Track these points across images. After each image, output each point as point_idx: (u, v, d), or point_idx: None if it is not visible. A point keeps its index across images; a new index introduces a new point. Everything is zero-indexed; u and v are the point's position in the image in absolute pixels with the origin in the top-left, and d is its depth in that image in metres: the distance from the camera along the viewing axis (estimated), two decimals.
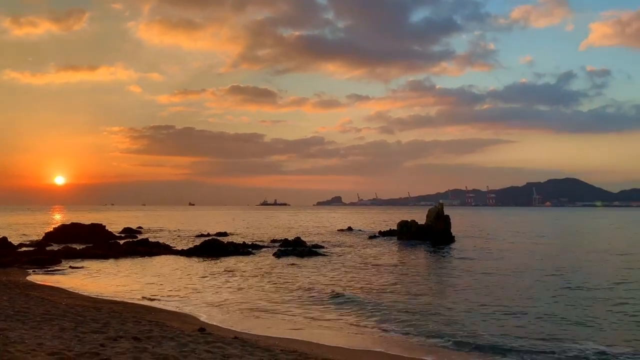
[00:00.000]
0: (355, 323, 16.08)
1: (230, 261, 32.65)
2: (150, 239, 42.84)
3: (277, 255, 35.52)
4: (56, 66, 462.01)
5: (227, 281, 24.45)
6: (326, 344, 13.63)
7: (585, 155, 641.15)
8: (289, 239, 45.16)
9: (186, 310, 17.68)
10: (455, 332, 14.68)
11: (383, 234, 57.10)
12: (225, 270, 28.12)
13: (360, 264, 31.47)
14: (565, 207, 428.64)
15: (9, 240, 37.13)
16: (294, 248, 38.05)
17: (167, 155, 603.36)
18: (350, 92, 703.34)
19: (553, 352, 12.76)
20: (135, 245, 38.30)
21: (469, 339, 13.89)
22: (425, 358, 12.68)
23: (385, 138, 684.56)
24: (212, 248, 37.00)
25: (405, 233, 49.97)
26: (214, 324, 15.49)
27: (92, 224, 49.64)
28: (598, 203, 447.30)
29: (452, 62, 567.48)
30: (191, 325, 14.36)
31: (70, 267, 28.70)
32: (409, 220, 52.12)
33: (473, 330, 14.82)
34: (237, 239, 47.21)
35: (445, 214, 49.88)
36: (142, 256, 34.74)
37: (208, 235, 52.90)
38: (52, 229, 49.32)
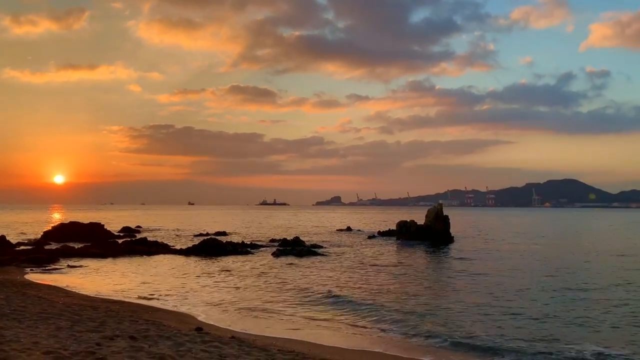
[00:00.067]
0: (353, 323, 16.05)
1: (228, 261, 32.61)
2: (149, 238, 42.76)
3: (276, 254, 35.49)
4: (56, 65, 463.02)
5: (225, 281, 24.41)
6: (324, 344, 13.60)
7: (585, 156, 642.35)
8: (288, 238, 45.13)
9: (183, 309, 17.64)
10: (454, 332, 14.64)
11: (382, 234, 57.09)
12: (223, 270, 28.07)
13: (359, 264, 31.42)
14: (565, 207, 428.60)
15: (7, 238, 37.07)
16: (293, 248, 38.02)
17: (167, 154, 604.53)
18: (350, 92, 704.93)
19: (551, 353, 12.73)
20: (134, 245, 38.25)
21: (467, 340, 13.85)
22: (423, 358, 12.65)
23: (384, 138, 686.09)
24: (211, 247, 36.95)
25: (405, 233, 49.93)
26: (211, 323, 15.45)
27: (91, 223, 49.59)
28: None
29: (452, 62, 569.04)
30: (188, 325, 14.32)
31: (69, 266, 28.63)
32: (408, 220, 52.11)
33: (471, 331, 14.78)
34: (236, 239, 47.16)
35: (444, 214, 49.85)
36: (140, 255, 34.69)
37: (207, 234, 52.84)
38: (50, 228, 49.27)
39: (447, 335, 14.32)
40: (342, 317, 16.78)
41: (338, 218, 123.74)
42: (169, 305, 18.37)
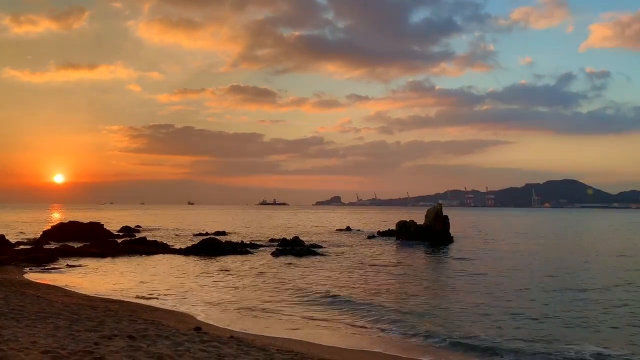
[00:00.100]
0: (352, 323, 16.02)
1: (227, 260, 32.58)
2: (148, 238, 42.76)
3: (275, 254, 35.47)
4: (56, 64, 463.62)
5: (224, 280, 24.38)
6: (323, 343, 13.58)
7: (585, 157, 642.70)
8: (287, 238, 45.09)
9: (182, 309, 17.61)
10: (453, 332, 14.62)
11: (382, 234, 57.06)
12: (222, 269, 28.05)
13: (358, 264, 31.40)
14: (564, 208, 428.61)
15: (6, 238, 37.04)
16: (292, 247, 38.00)
17: (167, 154, 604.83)
18: (350, 92, 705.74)
19: (550, 353, 12.70)
20: (133, 244, 38.22)
21: (466, 340, 13.83)
22: (423, 358, 12.63)
23: (384, 138, 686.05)
24: (210, 247, 36.93)
25: (404, 233, 49.91)
26: (210, 323, 15.43)
27: (90, 223, 49.57)
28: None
29: (452, 62, 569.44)
30: (187, 324, 14.29)
31: (68, 265, 28.59)
32: (408, 220, 52.08)
33: (470, 331, 14.76)
34: (236, 238, 47.13)
35: (444, 214, 49.82)
36: (139, 255, 34.65)
37: (206, 234, 52.81)
38: (50, 228, 49.21)
39: (446, 335, 14.30)
40: (341, 317, 16.76)
41: (338, 218, 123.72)
42: (167, 304, 18.35)
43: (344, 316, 16.91)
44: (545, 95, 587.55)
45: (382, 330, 15.18)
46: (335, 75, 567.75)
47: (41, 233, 47.10)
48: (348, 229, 69.07)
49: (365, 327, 15.54)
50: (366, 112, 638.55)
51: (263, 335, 13.92)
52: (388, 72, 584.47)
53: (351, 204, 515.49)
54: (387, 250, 40.44)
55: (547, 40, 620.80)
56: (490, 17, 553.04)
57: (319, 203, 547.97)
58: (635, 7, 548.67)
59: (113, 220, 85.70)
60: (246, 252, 37.15)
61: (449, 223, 49.98)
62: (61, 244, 38.19)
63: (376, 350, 13.27)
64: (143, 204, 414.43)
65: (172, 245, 40.55)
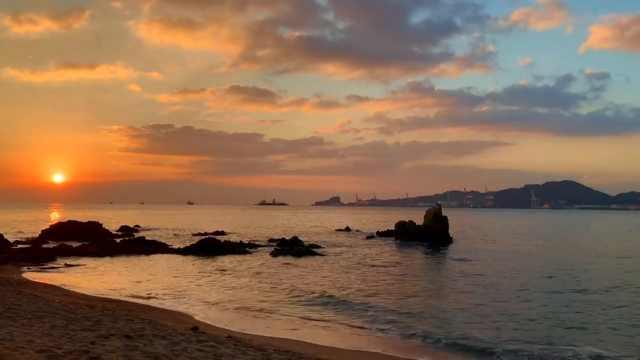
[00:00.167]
0: (350, 323, 15.97)
1: (226, 260, 32.53)
2: (147, 238, 42.70)
3: (274, 254, 35.41)
4: (56, 64, 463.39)
5: (222, 280, 24.33)
6: (321, 344, 13.53)
7: (584, 158, 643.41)
8: (286, 238, 45.01)
9: (180, 308, 17.56)
10: (451, 333, 14.57)
11: (381, 234, 57.03)
12: (220, 269, 27.99)
13: (357, 264, 31.35)
14: (564, 209, 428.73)
15: (5, 237, 36.97)
16: (291, 248, 37.92)
17: (166, 154, 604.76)
18: (350, 92, 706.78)
19: (548, 355, 12.65)
20: (132, 244, 38.15)
21: (465, 341, 13.78)
22: (421, 359, 12.58)
23: (384, 139, 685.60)
24: (209, 247, 36.87)
25: (403, 234, 49.87)
26: (208, 322, 15.37)
27: (89, 222, 49.50)
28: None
29: (452, 63, 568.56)
30: (184, 324, 14.23)
31: (66, 264, 28.54)
32: (407, 220, 52.02)
33: (469, 332, 14.71)
34: (235, 238, 47.06)
35: (443, 215, 49.78)
36: (138, 254, 34.60)
37: (205, 234, 52.76)
38: (48, 227, 49.14)
39: (444, 336, 14.25)
40: (339, 317, 16.71)
41: (337, 218, 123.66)
42: (165, 304, 18.29)
43: (342, 316, 16.85)
44: (545, 96, 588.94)
45: (380, 330, 15.13)
46: (335, 76, 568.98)
47: (40, 232, 47.02)
48: (347, 229, 69.02)
49: (363, 328, 15.49)
50: (366, 112, 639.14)
51: (260, 335, 13.87)
52: (388, 73, 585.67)
53: (350, 205, 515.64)
54: (386, 251, 40.38)
55: (547, 42, 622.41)
56: (490, 18, 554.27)
57: (318, 203, 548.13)
58: (635, 9, 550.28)
59: (112, 219, 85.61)
60: (245, 252, 37.09)
61: (448, 224, 49.94)
62: (59, 243, 38.08)
63: (374, 350, 13.21)
64: (143, 203, 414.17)
65: (171, 245, 40.48)
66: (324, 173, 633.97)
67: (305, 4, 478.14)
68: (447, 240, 47.96)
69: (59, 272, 26.14)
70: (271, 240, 47.23)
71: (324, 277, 25.68)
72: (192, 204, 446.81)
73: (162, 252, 36.33)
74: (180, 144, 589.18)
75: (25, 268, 26.75)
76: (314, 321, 16.24)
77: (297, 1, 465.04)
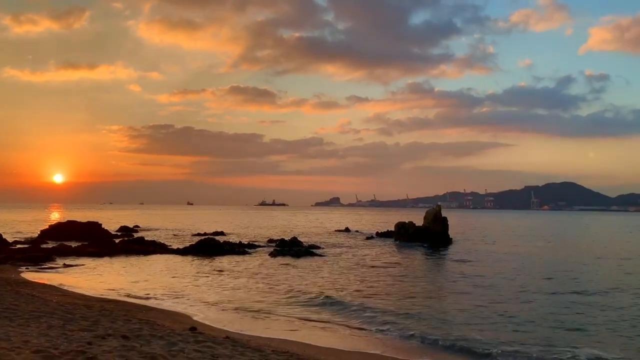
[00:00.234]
0: (349, 324, 15.92)
1: (225, 260, 32.47)
2: (146, 238, 42.64)
3: (273, 255, 35.36)
4: (56, 64, 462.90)
5: (221, 280, 24.28)
6: (319, 345, 13.48)
7: (584, 160, 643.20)
8: (286, 239, 44.93)
9: (178, 309, 17.52)
10: (450, 334, 14.52)
11: (380, 235, 56.98)
12: (218, 270, 27.94)
13: (356, 265, 31.30)
14: (563, 211, 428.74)
15: (4, 237, 36.93)
16: (290, 248, 37.85)
17: (166, 154, 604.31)
18: (350, 93, 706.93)
19: (547, 357, 12.61)
20: (131, 244, 38.11)
21: (464, 342, 13.73)
22: None
23: (384, 140, 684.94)
24: (208, 247, 36.82)
25: (403, 234, 49.82)
26: (206, 323, 15.32)
27: (88, 222, 49.43)
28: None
29: (452, 65, 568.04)
30: (182, 324, 14.19)
31: (64, 264, 28.49)
32: (407, 221, 51.97)
33: (468, 333, 14.66)
34: (234, 239, 47.00)
35: (443, 216, 49.74)
36: (137, 255, 34.55)
37: (205, 234, 52.70)
38: (47, 227, 49.08)
39: (443, 337, 14.20)
40: (338, 318, 16.66)
41: (337, 219, 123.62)
42: (163, 304, 18.25)
43: (341, 317, 16.80)
44: (545, 97, 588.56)
45: (379, 331, 15.08)
46: (335, 77, 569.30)
47: (39, 232, 46.96)
48: (347, 229, 68.97)
49: (362, 329, 15.44)
50: (366, 113, 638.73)
51: (259, 336, 13.82)
52: (388, 74, 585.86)
53: (350, 205, 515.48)
54: (386, 252, 40.33)
55: (547, 43, 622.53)
56: (490, 20, 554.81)
57: (318, 204, 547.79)
58: (635, 10, 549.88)
59: (112, 220, 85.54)
60: (244, 253, 37.03)
61: (447, 225, 49.90)
62: (58, 243, 38.04)
63: (373, 351, 13.16)
64: (142, 204, 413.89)
65: (170, 246, 40.41)
66: (324, 174, 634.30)
67: (305, 5, 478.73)
68: (446, 241, 47.91)
69: (57, 272, 26.09)
70: (270, 240, 47.17)
71: (323, 277, 25.63)
72: (191, 204, 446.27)
73: (161, 253, 36.28)
74: (180, 145, 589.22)
75: (23, 268, 26.70)
76: (313, 322, 16.19)
77: (297, 2, 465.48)
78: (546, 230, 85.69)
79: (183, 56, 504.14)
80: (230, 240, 42.93)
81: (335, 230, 68.92)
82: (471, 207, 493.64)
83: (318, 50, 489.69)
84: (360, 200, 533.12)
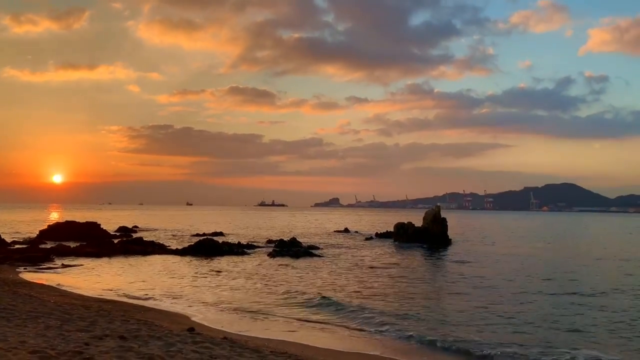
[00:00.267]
0: (347, 325, 15.88)
1: (223, 261, 32.43)
2: (145, 238, 42.59)
3: (272, 255, 35.32)
4: (55, 64, 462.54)
5: (219, 281, 24.24)
6: (318, 346, 13.45)
7: (583, 161, 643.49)
8: (285, 239, 44.88)
9: (176, 309, 17.48)
10: (448, 336, 14.48)
11: (379, 236, 56.94)
12: (217, 270, 27.89)
13: (355, 265, 31.26)
14: (563, 212, 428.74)
15: (2, 237, 36.88)
16: (289, 249, 37.80)
17: (166, 155, 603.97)
18: (349, 94, 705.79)
19: (546, 358, 12.56)
20: (130, 244, 38.06)
21: (462, 343, 13.69)
22: None
23: (383, 140, 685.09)
24: (207, 248, 36.78)
25: (402, 235, 49.77)
26: (204, 324, 15.28)
27: (87, 222, 49.38)
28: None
29: (451, 66, 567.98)
30: (181, 325, 14.14)
31: (63, 265, 28.44)
32: (406, 222, 51.91)
33: (466, 335, 14.63)
34: (233, 239, 46.95)
35: (442, 216, 49.71)
36: (136, 255, 34.50)
37: (204, 235, 52.64)
38: (46, 227, 49.01)
39: (442, 338, 14.16)
40: (336, 319, 16.61)
41: (336, 219, 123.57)
42: (162, 305, 18.21)
43: (340, 318, 16.76)
44: (544, 99, 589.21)
45: (378, 332, 15.04)
46: (334, 78, 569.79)
47: (37, 233, 46.88)
48: (346, 230, 68.94)
49: (361, 330, 15.40)
50: (365, 114, 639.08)
51: (257, 337, 13.78)
52: (387, 75, 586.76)
53: (350, 206, 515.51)
54: (385, 252, 40.30)
55: (547, 44, 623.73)
56: (490, 21, 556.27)
57: (317, 204, 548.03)
58: (634, 12, 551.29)
59: (111, 220, 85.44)
60: (243, 253, 36.98)
61: (447, 225, 49.88)
62: (57, 243, 38.00)
63: (372, 353, 13.12)
64: (142, 204, 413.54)
65: (169, 246, 40.36)
66: (323, 174, 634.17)
67: (305, 6, 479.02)
68: (446, 242, 47.88)
69: (55, 272, 26.03)
70: (269, 241, 47.11)
71: (322, 278, 25.58)
72: (191, 204, 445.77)
73: (160, 253, 36.22)
74: (179, 145, 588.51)
75: (22, 268, 26.66)
76: (311, 323, 16.16)
77: (297, 3, 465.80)
78: (545, 231, 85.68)
79: (183, 57, 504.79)
80: (229, 241, 42.89)
81: (335, 231, 68.89)
82: (470, 208, 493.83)
83: (318, 51, 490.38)
84: (359, 201, 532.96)
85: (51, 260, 30.00)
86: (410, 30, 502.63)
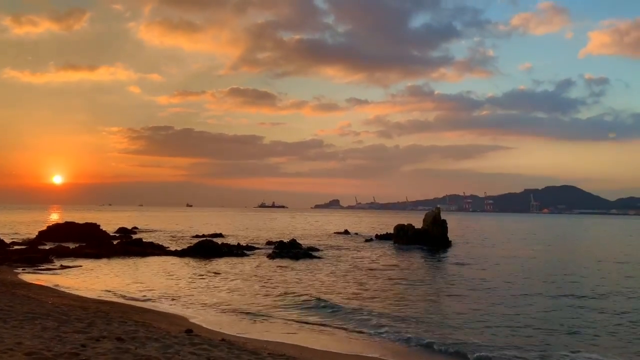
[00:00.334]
0: (346, 327, 15.82)
1: (223, 262, 32.37)
2: (145, 240, 42.50)
3: (272, 257, 35.27)
4: (56, 65, 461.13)
5: (218, 282, 24.18)
6: (317, 348, 13.40)
7: (583, 163, 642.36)
8: (285, 241, 44.79)
9: (175, 311, 17.42)
10: (447, 338, 14.43)
11: (379, 237, 56.87)
12: (216, 272, 27.83)
13: (354, 267, 31.19)
14: (563, 214, 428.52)
15: (1, 238, 36.81)
16: (289, 250, 37.72)
17: (166, 156, 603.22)
18: (350, 96, 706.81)
19: None
20: (129, 245, 37.97)
21: (460, 346, 13.64)
22: None
23: (383, 142, 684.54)
24: (206, 249, 36.72)
25: (402, 237, 49.71)
26: (202, 325, 15.22)
27: (87, 224, 49.26)
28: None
29: (451, 68, 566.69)
30: (178, 327, 14.08)
31: (62, 266, 28.38)
32: (406, 224, 51.85)
33: (465, 337, 14.58)
34: (233, 241, 46.89)
35: (442, 218, 49.66)
36: (135, 256, 34.44)
37: (203, 236, 52.57)
38: (45, 228, 48.94)
39: (441, 341, 14.11)
40: (335, 321, 16.55)
41: (336, 221, 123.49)
42: (160, 306, 18.16)
43: (338, 320, 16.70)
44: (544, 101, 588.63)
45: (377, 335, 14.98)
46: (335, 79, 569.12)
47: (36, 234, 46.80)
48: (346, 232, 68.85)
49: (360, 332, 15.34)
50: (365, 115, 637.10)
51: (255, 339, 13.72)
52: (387, 77, 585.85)
53: (350, 207, 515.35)
54: (384, 254, 40.23)
55: (547, 47, 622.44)
56: (490, 23, 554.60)
57: (317, 206, 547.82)
58: (634, 14, 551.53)
59: (111, 221, 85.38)
60: (242, 255, 36.92)
61: (447, 227, 49.83)
62: (56, 244, 37.95)
63: (371, 355, 13.06)
64: (141, 205, 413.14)
65: (168, 247, 40.31)
66: (324, 176, 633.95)
67: (305, 7, 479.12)
68: (446, 244, 47.82)
69: (54, 273, 25.98)
70: (269, 242, 47.04)
71: (321, 280, 25.52)
72: (191, 206, 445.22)
73: (159, 254, 36.17)
74: (179, 146, 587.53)
75: (20, 269, 26.60)
76: (310, 325, 16.10)
77: (297, 4, 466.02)
78: (546, 234, 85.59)
79: (183, 58, 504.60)
80: (229, 242, 42.84)
81: (335, 233, 68.81)
82: (470, 210, 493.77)
83: (318, 53, 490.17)
84: (359, 203, 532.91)
85: (50, 261, 29.95)
86: (411, 32, 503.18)
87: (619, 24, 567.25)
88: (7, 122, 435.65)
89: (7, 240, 38.84)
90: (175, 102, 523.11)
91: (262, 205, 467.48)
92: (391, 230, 54.76)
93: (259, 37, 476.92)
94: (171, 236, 56.70)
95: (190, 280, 24.88)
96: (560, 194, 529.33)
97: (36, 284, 21.72)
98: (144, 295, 20.18)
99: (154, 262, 32.01)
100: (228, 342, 12.18)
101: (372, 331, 15.30)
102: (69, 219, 55.87)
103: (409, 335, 14.68)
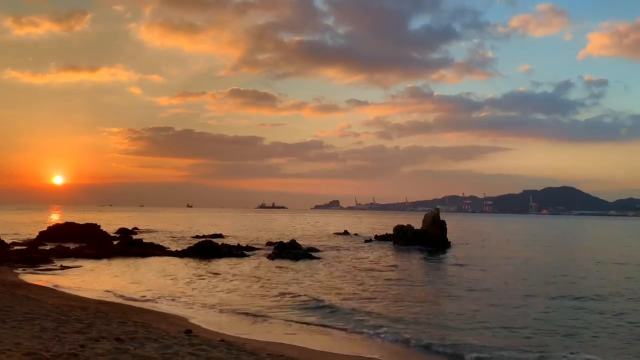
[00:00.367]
0: (345, 328, 15.83)
1: (223, 263, 32.38)
2: (145, 240, 42.51)
3: (271, 257, 35.27)
4: (57, 66, 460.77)
5: (217, 283, 24.19)
6: (316, 348, 13.41)
7: (582, 164, 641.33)
8: (284, 241, 44.80)
9: (174, 311, 17.43)
10: (446, 339, 14.44)
11: (379, 238, 56.88)
12: (216, 272, 27.84)
13: (354, 268, 31.20)
14: (562, 215, 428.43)
15: (1, 238, 36.78)
16: (289, 251, 37.71)
17: (166, 156, 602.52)
18: (350, 97, 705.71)
19: None
20: (129, 246, 37.97)
21: (460, 347, 13.65)
22: None
23: (383, 143, 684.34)
24: (206, 249, 36.72)
25: (401, 238, 49.72)
26: (202, 326, 15.24)
27: (87, 224, 49.26)
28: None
29: (451, 69, 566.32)
30: (178, 327, 14.10)
31: (62, 266, 28.39)
32: (405, 225, 51.86)
33: (463, 338, 14.59)
34: (233, 241, 46.91)
35: (441, 219, 49.67)
36: (135, 257, 34.45)
37: (204, 237, 52.56)
38: (46, 228, 48.95)
39: (440, 342, 14.11)
40: (334, 322, 16.56)
41: (336, 222, 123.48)
42: (160, 307, 18.17)
43: (338, 321, 16.70)
44: (544, 102, 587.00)
45: (376, 335, 14.99)
46: (335, 81, 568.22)
47: (37, 234, 46.81)
48: (346, 232, 68.86)
49: (359, 332, 15.35)
50: (365, 117, 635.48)
51: (254, 340, 13.73)
52: (387, 78, 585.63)
53: (350, 208, 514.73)
54: (384, 255, 40.24)
55: (546, 48, 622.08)
56: (490, 25, 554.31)
57: (317, 207, 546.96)
58: (634, 16, 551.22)
59: (111, 222, 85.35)
60: (242, 255, 36.93)
61: (446, 228, 49.83)
62: (56, 245, 37.94)
63: (370, 356, 13.08)
64: (142, 206, 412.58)
65: (168, 248, 40.32)
66: (324, 177, 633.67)
67: (306, 9, 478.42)
68: (445, 244, 47.83)
69: (54, 273, 25.99)
70: (269, 243, 47.03)
71: (320, 280, 25.53)
72: (191, 206, 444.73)
73: (159, 255, 36.18)
74: (180, 147, 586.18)
75: (20, 270, 26.61)
76: (309, 325, 16.11)
77: (297, 6, 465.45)
78: (545, 235, 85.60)
79: (184, 59, 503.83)
80: (229, 243, 42.85)
81: (334, 233, 68.82)
82: (470, 211, 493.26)
83: (318, 54, 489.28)
84: (359, 204, 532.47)
85: (50, 261, 29.96)
86: (410, 34, 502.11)
87: (618, 26, 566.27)
88: (8, 123, 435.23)
89: (8, 241, 38.79)
90: (175, 103, 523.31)
91: (262, 206, 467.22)
92: (391, 231, 54.75)
93: (260, 39, 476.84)
94: (171, 237, 56.71)
95: (190, 280, 24.89)
96: (559, 195, 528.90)
97: (36, 285, 21.74)
98: (144, 296, 20.20)
99: (154, 263, 32.03)
100: (227, 343, 12.20)
101: (371, 332, 15.31)
102: (70, 220, 55.89)
103: (407, 336, 14.69)
